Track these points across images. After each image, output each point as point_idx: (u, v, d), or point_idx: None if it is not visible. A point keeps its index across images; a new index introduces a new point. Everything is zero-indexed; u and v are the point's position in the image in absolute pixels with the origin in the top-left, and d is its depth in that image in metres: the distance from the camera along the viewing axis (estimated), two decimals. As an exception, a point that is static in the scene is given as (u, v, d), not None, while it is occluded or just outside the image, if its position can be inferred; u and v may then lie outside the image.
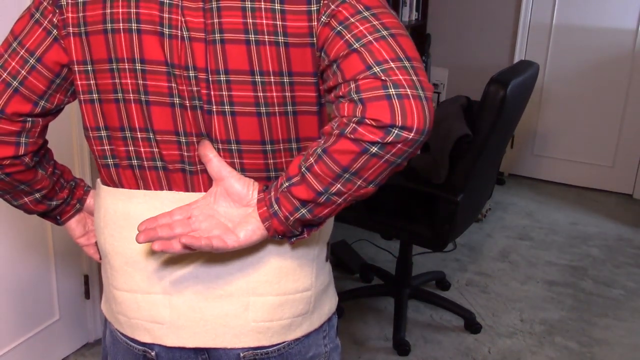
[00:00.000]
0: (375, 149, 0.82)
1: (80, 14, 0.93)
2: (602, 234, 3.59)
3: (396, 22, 0.88)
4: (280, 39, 0.88)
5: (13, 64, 0.96)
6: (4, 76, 0.96)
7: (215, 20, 0.89)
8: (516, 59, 4.17)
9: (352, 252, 3.17)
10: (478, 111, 2.20)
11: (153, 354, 1.05)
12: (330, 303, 1.11)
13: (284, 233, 0.92)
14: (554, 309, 2.84)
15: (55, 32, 0.96)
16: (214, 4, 0.89)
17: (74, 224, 1.18)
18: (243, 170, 0.95)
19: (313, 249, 1.03)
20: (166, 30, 0.90)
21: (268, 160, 0.96)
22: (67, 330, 2.38)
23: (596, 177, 4.19)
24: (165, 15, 0.90)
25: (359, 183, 0.86)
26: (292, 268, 1.01)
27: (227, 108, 0.92)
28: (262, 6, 0.88)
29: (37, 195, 1.08)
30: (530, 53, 4.17)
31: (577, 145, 4.19)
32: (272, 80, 0.90)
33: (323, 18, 0.88)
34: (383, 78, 0.82)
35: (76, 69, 0.97)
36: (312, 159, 0.86)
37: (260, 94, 0.91)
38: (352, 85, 0.84)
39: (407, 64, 0.84)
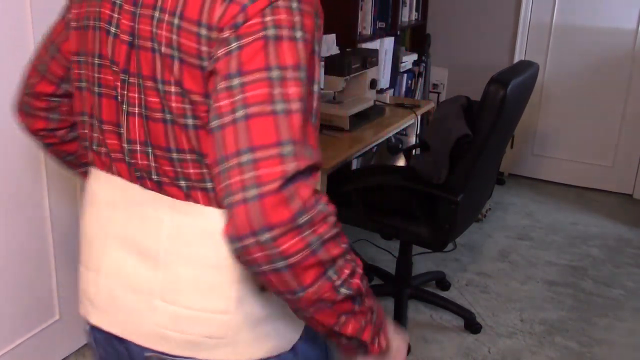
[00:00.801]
0: (256, 267, 0.81)
1: (76, 10, 1.04)
2: (602, 234, 3.59)
3: (264, 94, 0.81)
4: (175, 53, 0.89)
5: (42, 52, 1.12)
6: (35, 63, 1.13)
7: (136, 26, 0.93)
8: (516, 59, 4.17)
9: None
10: (478, 111, 2.20)
11: (87, 328, 1.11)
12: (275, 343, 1.01)
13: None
14: (554, 309, 2.84)
15: (70, 24, 1.07)
16: (138, 10, 0.93)
17: None
18: (158, 174, 0.97)
19: (234, 269, 0.97)
20: (112, 29, 0.97)
21: (176, 169, 0.95)
22: (67, 330, 2.38)
23: (596, 177, 4.19)
24: (115, 15, 0.96)
25: (290, 296, 0.85)
26: (205, 283, 0.97)
27: (143, 111, 0.95)
28: (165, 18, 0.89)
29: (85, 168, 1.20)
30: (530, 53, 4.18)
31: (577, 145, 4.19)
32: (173, 90, 0.91)
33: (212, 59, 0.86)
34: (225, 184, 0.80)
35: (71, 58, 1.07)
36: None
37: (164, 102, 0.92)
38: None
39: (244, 158, 0.79)
